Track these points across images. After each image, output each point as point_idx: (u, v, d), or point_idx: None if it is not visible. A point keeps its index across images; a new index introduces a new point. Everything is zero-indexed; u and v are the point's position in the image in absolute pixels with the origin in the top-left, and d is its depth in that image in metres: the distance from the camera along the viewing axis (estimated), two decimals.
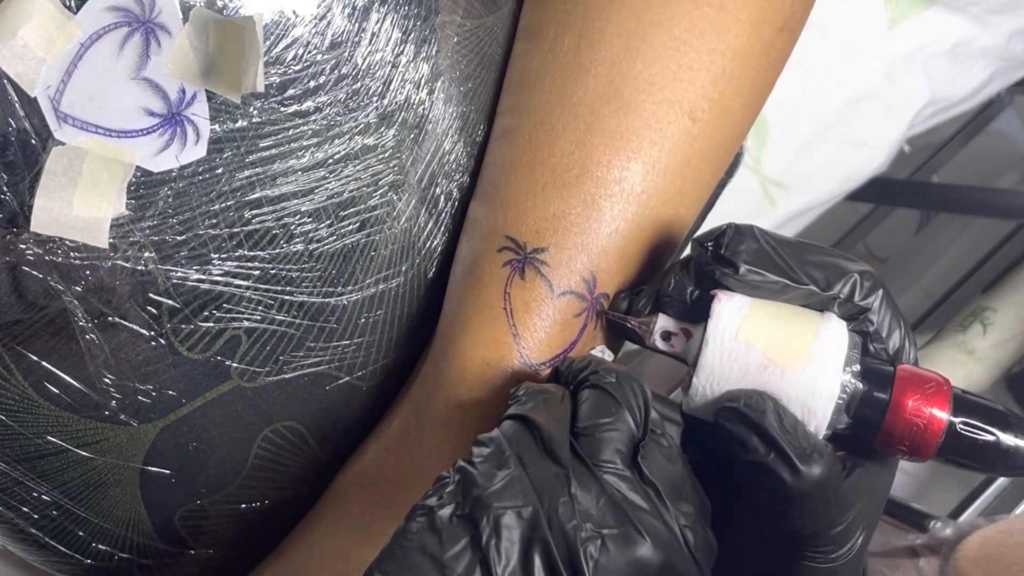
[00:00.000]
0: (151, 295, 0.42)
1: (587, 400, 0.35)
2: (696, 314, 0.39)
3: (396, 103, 0.44)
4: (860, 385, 0.36)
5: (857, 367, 0.37)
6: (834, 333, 0.37)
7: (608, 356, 0.44)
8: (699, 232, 0.49)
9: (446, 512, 0.32)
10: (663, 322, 0.39)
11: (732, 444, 0.36)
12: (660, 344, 0.39)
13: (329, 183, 0.43)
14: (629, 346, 0.45)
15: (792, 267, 0.38)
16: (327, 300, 0.45)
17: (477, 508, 0.32)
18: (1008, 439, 0.36)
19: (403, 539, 0.32)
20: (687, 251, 0.41)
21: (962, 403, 0.36)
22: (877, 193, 0.91)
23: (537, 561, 0.31)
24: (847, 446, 0.38)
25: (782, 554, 0.38)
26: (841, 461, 0.37)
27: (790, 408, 0.36)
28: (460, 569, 0.31)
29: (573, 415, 0.35)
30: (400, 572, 0.31)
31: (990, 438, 0.36)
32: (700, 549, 0.34)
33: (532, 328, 0.43)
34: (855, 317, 0.38)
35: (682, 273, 0.40)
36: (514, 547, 0.31)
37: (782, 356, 0.36)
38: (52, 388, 0.42)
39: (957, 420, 0.36)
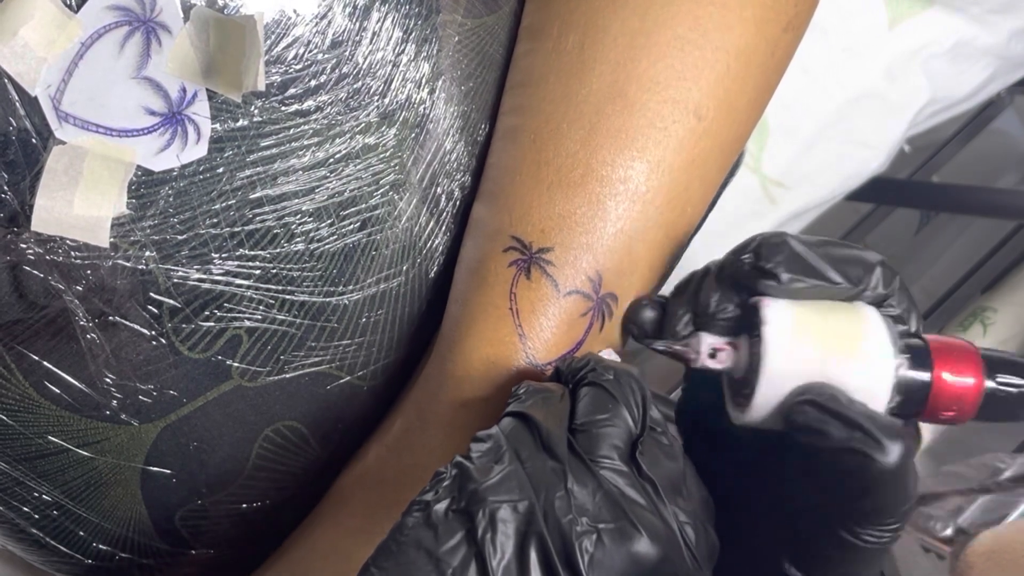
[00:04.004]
0: (152, 294, 0.42)
1: (585, 397, 0.35)
2: (737, 327, 0.39)
3: (397, 102, 0.44)
4: (906, 364, 0.38)
5: (902, 345, 0.38)
6: (875, 319, 0.38)
7: (615, 359, 0.44)
8: (696, 231, 0.49)
9: (442, 507, 0.32)
10: (709, 340, 0.39)
11: (810, 435, 0.36)
12: (709, 363, 0.39)
13: (330, 182, 0.43)
14: (632, 344, 0.45)
15: (825, 267, 0.38)
16: (328, 300, 0.45)
17: (473, 502, 0.32)
18: None
19: (399, 534, 0.32)
20: (701, 266, 0.41)
21: (992, 362, 0.38)
22: (877, 193, 0.91)
23: (533, 555, 0.31)
24: None
25: (835, 541, 0.37)
26: None
27: (852, 395, 0.37)
28: (455, 563, 0.31)
29: (572, 413, 0.35)
30: (396, 568, 0.31)
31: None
32: (701, 547, 0.34)
33: (538, 328, 0.43)
34: (879, 304, 0.39)
35: (720, 290, 0.40)
36: (509, 541, 0.31)
37: (836, 348, 0.37)
38: (53, 388, 0.42)
39: (993, 380, 0.38)
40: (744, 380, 0.38)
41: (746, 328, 0.39)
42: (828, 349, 0.37)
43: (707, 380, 0.43)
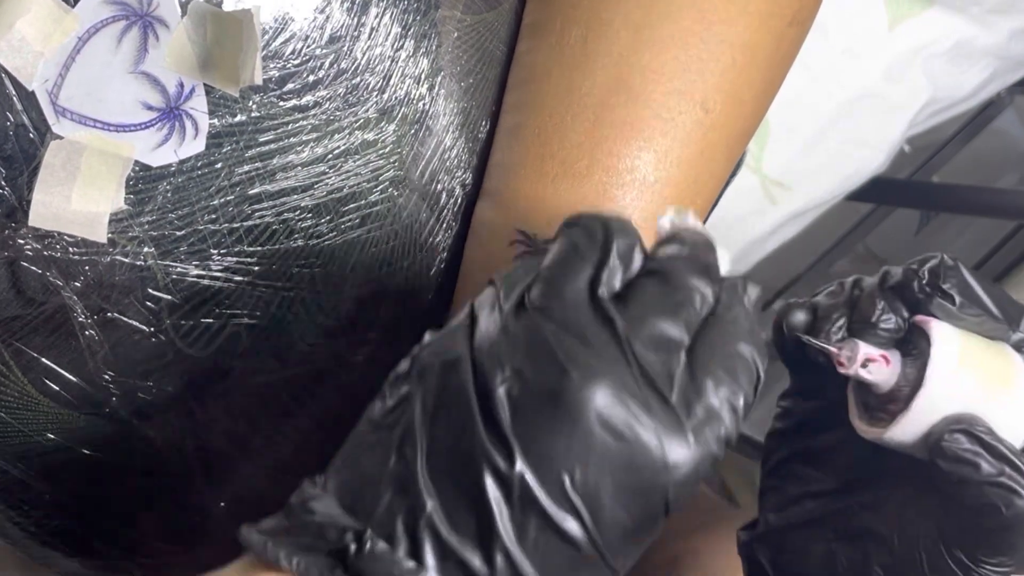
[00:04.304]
0: (151, 291, 0.41)
1: (550, 250, 0.32)
2: (890, 341, 0.39)
3: (396, 98, 0.44)
4: None
5: None
6: (1020, 358, 0.39)
7: (690, 216, 0.36)
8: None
9: (395, 373, 0.31)
10: (865, 349, 0.38)
11: (959, 466, 0.36)
12: (861, 373, 0.38)
13: (329, 178, 0.43)
14: None
15: (988, 301, 0.39)
16: (327, 296, 0.45)
17: (414, 365, 0.31)
18: None
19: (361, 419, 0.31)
20: (871, 278, 0.41)
21: None
22: (877, 193, 0.90)
23: (453, 410, 0.29)
24: None
25: (947, 568, 0.38)
26: None
27: (999, 431, 0.37)
28: (389, 422, 0.30)
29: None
30: (348, 446, 0.31)
31: None
32: (672, 387, 0.30)
33: None
34: (1019, 349, 0.39)
35: (882, 299, 0.40)
36: (431, 392, 0.29)
37: (993, 381, 0.37)
38: (51, 385, 0.42)
39: None
40: (890, 397, 0.38)
41: (901, 344, 0.39)
42: (984, 382, 0.37)
43: (807, 392, 0.43)
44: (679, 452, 0.29)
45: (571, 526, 0.28)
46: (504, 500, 0.28)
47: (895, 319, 0.39)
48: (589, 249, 0.31)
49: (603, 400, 0.28)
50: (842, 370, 0.38)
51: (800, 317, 0.41)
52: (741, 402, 0.31)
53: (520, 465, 0.28)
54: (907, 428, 0.37)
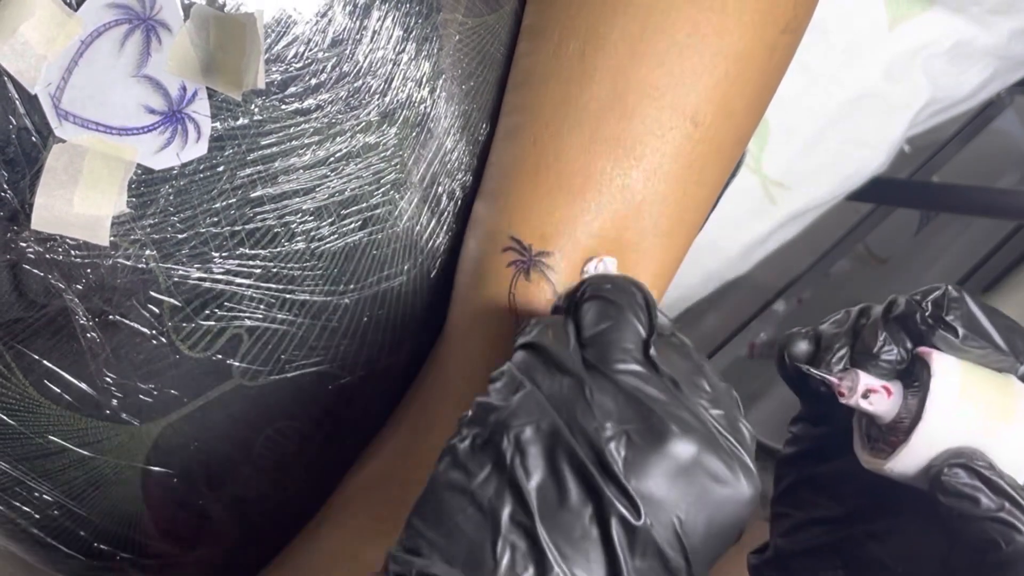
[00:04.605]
0: (152, 293, 0.41)
1: (589, 311, 0.35)
2: (893, 372, 0.39)
3: (398, 101, 0.44)
4: None
5: None
6: None
7: (612, 266, 0.43)
8: (697, 232, 0.48)
9: (466, 444, 0.32)
10: (866, 380, 0.38)
11: (958, 500, 0.36)
12: (862, 404, 0.38)
13: (331, 181, 0.43)
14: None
15: (994, 333, 0.38)
16: (329, 299, 0.45)
17: (497, 431, 0.31)
18: None
19: (433, 482, 0.31)
20: (873, 309, 0.41)
21: None
22: (877, 193, 0.91)
23: (566, 469, 0.30)
24: None
25: None
26: None
27: (999, 465, 0.37)
28: (490, 494, 0.30)
29: (580, 331, 0.34)
30: (433, 514, 0.31)
31: None
32: (738, 434, 0.33)
33: None
34: None
35: (886, 332, 0.40)
36: (539, 460, 0.31)
37: (995, 414, 0.37)
38: (53, 387, 0.42)
39: None
40: (891, 428, 0.38)
41: (903, 375, 0.39)
42: (986, 415, 0.37)
43: (816, 419, 0.43)
44: (752, 489, 0.32)
45: (679, 564, 0.31)
46: (628, 547, 0.30)
47: (897, 350, 0.39)
48: (635, 310, 0.34)
49: (700, 448, 0.31)
50: (843, 400, 0.38)
51: (802, 347, 0.42)
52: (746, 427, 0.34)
53: (644, 514, 0.30)
54: (907, 460, 0.37)
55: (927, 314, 0.38)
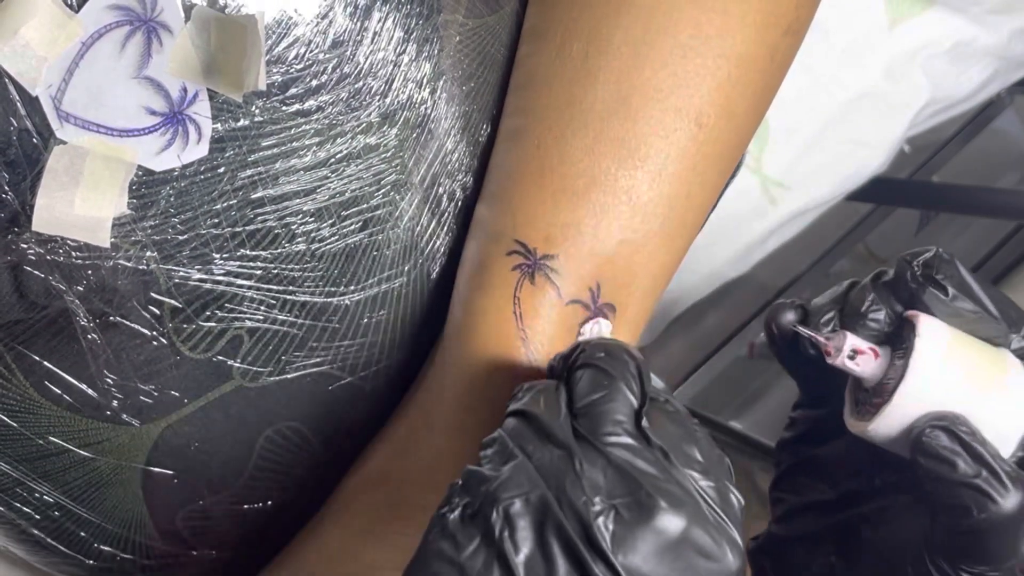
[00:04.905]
0: (153, 294, 0.41)
1: (580, 380, 0.35)
2: (883, 337, 0.39)
3: (398, 102, 0.44)
4: None
5: None
6: (1019, 365, 0.38)
7: (606, 328, 0.43)
8: (697, 232, 0.49)
9: (456, 515, 0.32)
10: (853, 341, 0.38)
11: (937, 463, 0.36)
12: (848, 364, 0.39)
13: (331, 182, 0.43)
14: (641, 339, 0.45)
15: (986, 299, 0.38)
16: (329, 300, 0.45)
17: (486, 503, 0.31)
18: None
19: (422, 551, 0.32)
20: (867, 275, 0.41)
21: None
22: (877, 193, 0.91)
23: (554, 544, 0.31)
24: None
25: (926, 573, 0.38)
26: None
27: (985, 433, 0.37)
28: (478, 566, 0.30)
29: (572, 399, 0.35)
30: None
31: None
32: (727, 507, 0.33)
33: (540, 332, 0.43)
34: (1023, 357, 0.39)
35: (875, 293, 0.40)
36: (527, 534, 0.31)
37: (979, 382, 0.37)
38: (54, 388, 0.42)
39: None
40: (877, 390, 0.38)
41: (892, 340, 0.39)
42: (971, 382, 0.37)
43: (813, 402, 0.42)
44: (738, 562, 0.32)
45: None
46: None
47: (886, 311, 0.39)
48: (628, 380, 0.35)
49: (689, 523, 0.31)
50: (830, 360, 0.39)
51: (790, 316, 0.42)
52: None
53: None
54: (889, 421, 0.37)
55: (917, 273, 0.39)
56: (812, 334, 0.39)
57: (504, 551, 0.30)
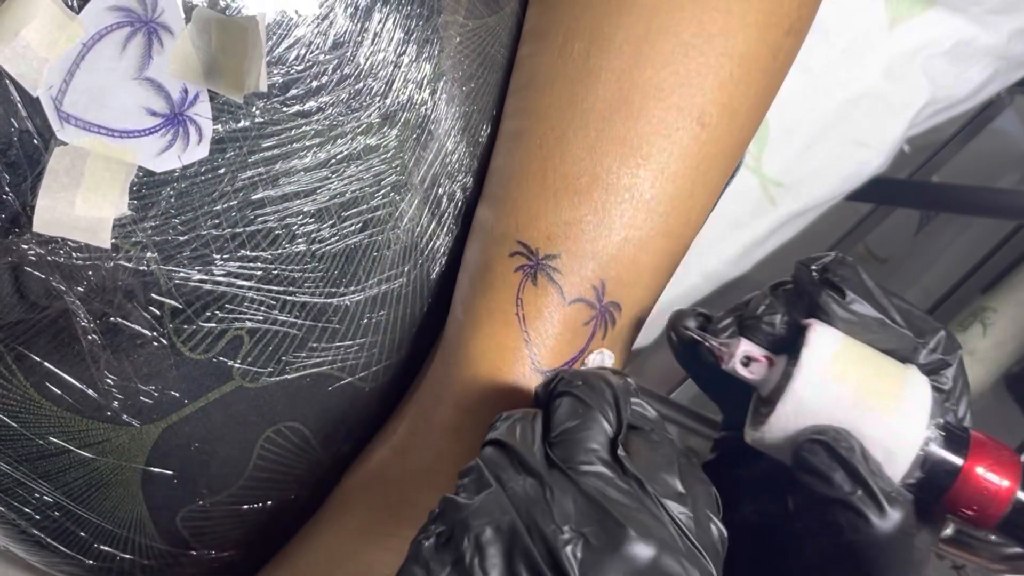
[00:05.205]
0: (153, 295, 0.42)
1: (558, 408, 0.35)
2: (781, 343, 0.39)
3: (398, 103, 0.44)
4: (938, 441, 0.36)
5: (940, 421, 0.36)
6: (921, 383, 0.37)
7: (608, 359, 0.44)
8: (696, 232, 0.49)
9: (431, 542, 0.32)
10: (746, 346, 0.38)
11: (813, 478, 0.35)
12: (740, 369, 0.38)
13: (331, 183, 0.43)
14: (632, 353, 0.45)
15: (889, 306, 0.38)
16: (330, 301, 0.45)
17: (458, 530, 0.32)
18: None
19: None
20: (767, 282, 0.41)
21: None
22: (877, 193, 0.91)
23: (522, 571, 0.31)
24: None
25: None
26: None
27: (871, 451, 0.36)
28: None
29: (548, 427, 0.35)
30: None
31: None
32: (704, 537, 0.33)
33: (544, 334, 0.43)
34: (935, 372, 0.38)
35: (772, 298, 0.39)
36: (497, 561, 0.31)
37: (870, 397, 0.36)
38: (54, 389, 0.42)
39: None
40: (770, 400, 0.37)
41: (788, 348, 0.38)
42: (861, 396, 0.36)
43: (731, 424, 0.42)
44: None
45: None
46: None
47: (781, 316, 0.39)
48: (604, 409, 0.35)
49: (659, 551, 0.31)
50: (723, 366, 0.38)
51: (690, 323, 0.41)
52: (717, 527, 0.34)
53: None
54: (773, 430, 0.37)
55: (812, 274, 0.38)
56: (706, 338, 0.39)
57: None
